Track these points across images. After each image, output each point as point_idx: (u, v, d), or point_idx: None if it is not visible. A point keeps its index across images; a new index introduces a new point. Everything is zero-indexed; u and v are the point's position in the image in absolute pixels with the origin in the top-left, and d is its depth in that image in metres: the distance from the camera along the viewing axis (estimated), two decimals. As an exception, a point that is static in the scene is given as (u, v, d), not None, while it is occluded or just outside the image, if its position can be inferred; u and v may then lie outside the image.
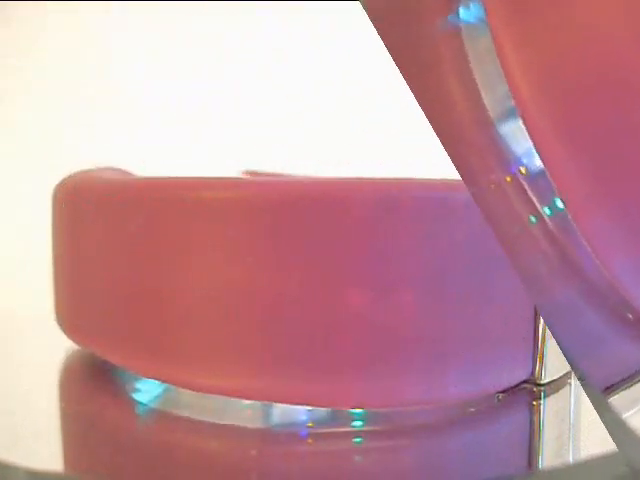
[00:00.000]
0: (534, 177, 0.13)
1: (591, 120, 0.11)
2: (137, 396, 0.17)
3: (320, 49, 0.35)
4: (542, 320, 0.16)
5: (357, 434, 0.15)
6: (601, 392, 0.13)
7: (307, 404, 0.15)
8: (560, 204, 0.13)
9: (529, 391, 0.17)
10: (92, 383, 0.18)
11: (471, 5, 0.13)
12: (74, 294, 0.18)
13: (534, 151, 0.12)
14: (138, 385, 0.17)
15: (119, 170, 0.20)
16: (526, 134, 0.12)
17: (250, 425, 0.16)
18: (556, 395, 0.17)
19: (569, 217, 0.12)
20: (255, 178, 0.24)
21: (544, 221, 0.13)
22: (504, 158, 0.13)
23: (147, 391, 0.17)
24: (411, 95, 0.13)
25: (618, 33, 0.11)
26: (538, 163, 0.12)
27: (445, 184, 0.15)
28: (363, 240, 0.14)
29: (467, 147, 0.13)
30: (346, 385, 0.15)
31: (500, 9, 0.12)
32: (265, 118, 0.34)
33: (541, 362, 0.17)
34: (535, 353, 0.16)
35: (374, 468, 0.14)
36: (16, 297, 0.24)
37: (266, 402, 0.16)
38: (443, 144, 0.13)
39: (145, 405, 0.17)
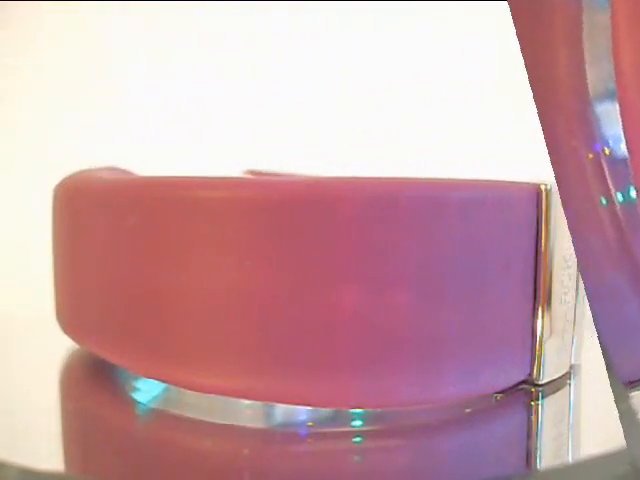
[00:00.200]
0: (616, 161, 0.13)
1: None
2: (137, 396, 0.17)
3: (321, 49, 0.35)
4: (540, 320, 0.16)
5: (357, 434, 0.15)
6: (624, 384, 0.13)
7: (306, 404, 0.15)
8: (634, 193, 0.13)
9: (527, 391, 0.17)
10: (92, 383, 0.18)
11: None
12: (74, 294, 0.18)
13: (622, 136, 0.12)
14: (138, 385, 0.17)
15: (119, 170, 0.20)
16: (619, 118, 0.12)
17: (250, 425, 0.16)
18: (554, 396, 0.17)
19: (638, 208, 0.12)
20: (255, 178, 0.24)
21: (614, 205, 0.13)
22: (592, 135, 0.13)
23: (147, 391, 0.17)
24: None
25: None
26: (623, 149, 0.12)
27: (442, 184, 0.15)
28: (362, 240, 0.14)
29: (559, 115, 0.13)
30: (345, 385, 0.15)
31: None
32: (266, 118, 0.34)
33: (539, 362, 0.17)
34: (533, 353, 0.16)
35: (373, 467, 0.14)
36: (16, 297, 0.24)
37: (266, 402, 0.16)
38: (537, 107, 0.13)
39: (145, 405, 0.17)
